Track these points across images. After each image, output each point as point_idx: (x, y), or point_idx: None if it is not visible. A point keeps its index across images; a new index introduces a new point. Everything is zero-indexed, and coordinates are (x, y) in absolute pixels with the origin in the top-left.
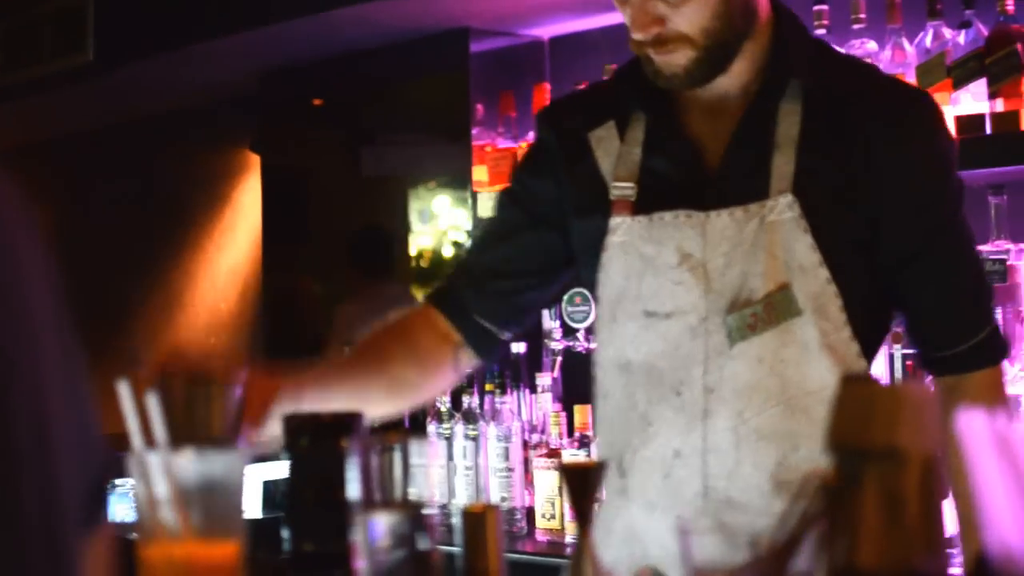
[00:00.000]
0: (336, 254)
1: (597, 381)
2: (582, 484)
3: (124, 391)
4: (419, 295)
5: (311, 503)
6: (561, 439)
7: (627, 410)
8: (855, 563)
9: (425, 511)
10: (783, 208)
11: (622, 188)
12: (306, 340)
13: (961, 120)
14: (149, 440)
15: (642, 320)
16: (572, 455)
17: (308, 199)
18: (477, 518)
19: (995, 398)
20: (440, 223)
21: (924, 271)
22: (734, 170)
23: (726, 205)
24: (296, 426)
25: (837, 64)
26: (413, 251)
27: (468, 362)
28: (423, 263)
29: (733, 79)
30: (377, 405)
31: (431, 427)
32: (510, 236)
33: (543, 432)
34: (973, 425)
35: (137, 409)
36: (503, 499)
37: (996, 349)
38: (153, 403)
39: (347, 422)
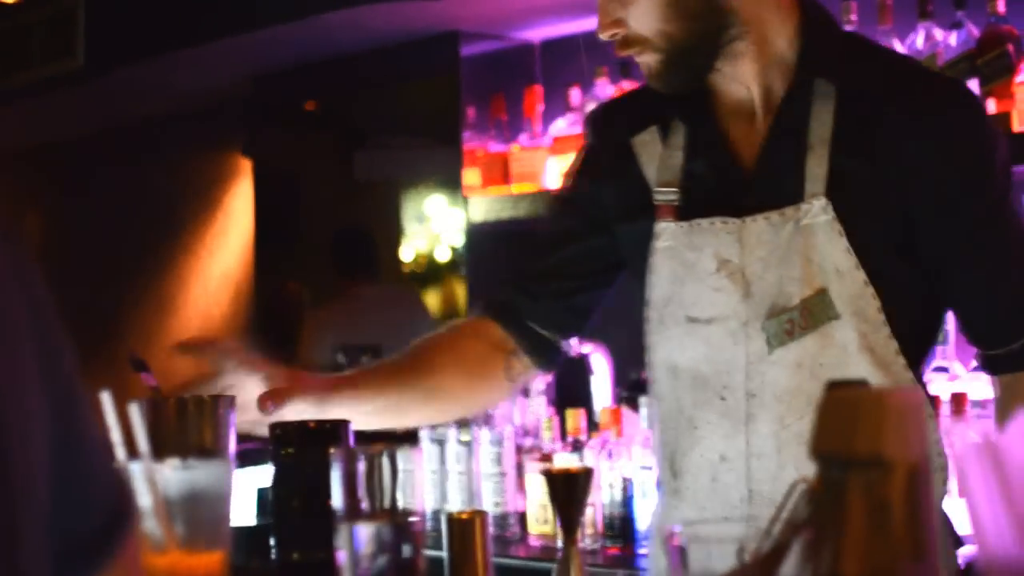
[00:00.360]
0: (328, 258)
1: (651, 383)
2: (567, 490)
3: (106, 402)
4: (412, 297)
5: (297, 512)
6: (554, 443)
7: (676, 413)
8: (840, 571)
9: (410, 519)
10: (817, 211)
11: (665, 193)
12: (298, 344)
13: None
14: (132, 451)
15: (686, 325)
16: (565, 459)
17: (300, 203)
18: (463, 525)
19: None
20: (433, 226)
21: (969, 269)
22: (767, 174)
23: (761, 210)
24: (282, 434)
25: (869, 59)
26: (406, 254)
27: (524, 371)
28: (417, 266)
29: (750, 80)
30: (414, 415)
31: (423, 432)
32: (564, 241)
33: (536, 436)
34: (959, 434)
35: (120, 420)
36: (496, 504)
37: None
38: (136, 414)
39: (333, 430)
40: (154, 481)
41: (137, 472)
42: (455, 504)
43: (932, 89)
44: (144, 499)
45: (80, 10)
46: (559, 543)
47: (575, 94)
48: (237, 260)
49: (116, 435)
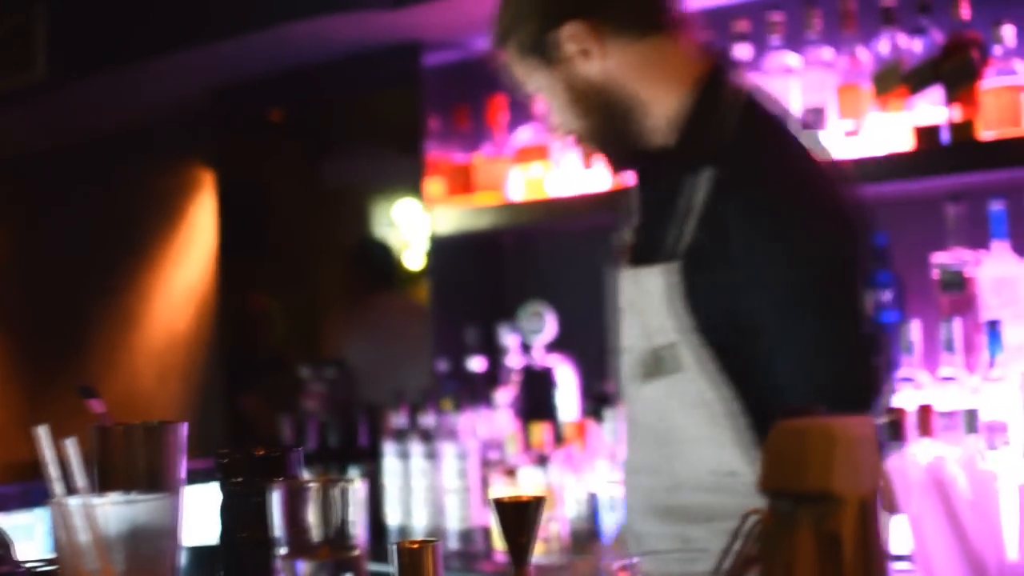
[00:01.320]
0: (295, 269)
1: None
2: (516, 520)
3: (43, 437)
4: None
5: (245, 542)
6: (519, 457)
7: None
8: None
9: (353, 553)
10: (672, 272)
11: (622, 239)
12: (264, 358)
13: (920, 131)
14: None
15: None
16: (530, 474)
17: (265, 213)
18: (413, 555)
19: None
20: (402, 233)
21: (774, 344)
22: (647, 233)
23: (643, 263)
24: (228, 462)
25: (749, 141)
26: (390, 258)
27: None
28: (401, 269)
29: (656, 139)
30: None
31: (388, 446)
32: None
33: (501, 450)
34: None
35: (57, 455)
36: (461, 519)
37: None
38: (72, 449)
39: (281, 458)
40: (93, 517)
41: (75, 508)
42: (420, 519)
43: (776, 185)
44: (82, 535)
45: (41, 23)
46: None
47: (539, 104)
48: (201, 273)
49: (53, 469)
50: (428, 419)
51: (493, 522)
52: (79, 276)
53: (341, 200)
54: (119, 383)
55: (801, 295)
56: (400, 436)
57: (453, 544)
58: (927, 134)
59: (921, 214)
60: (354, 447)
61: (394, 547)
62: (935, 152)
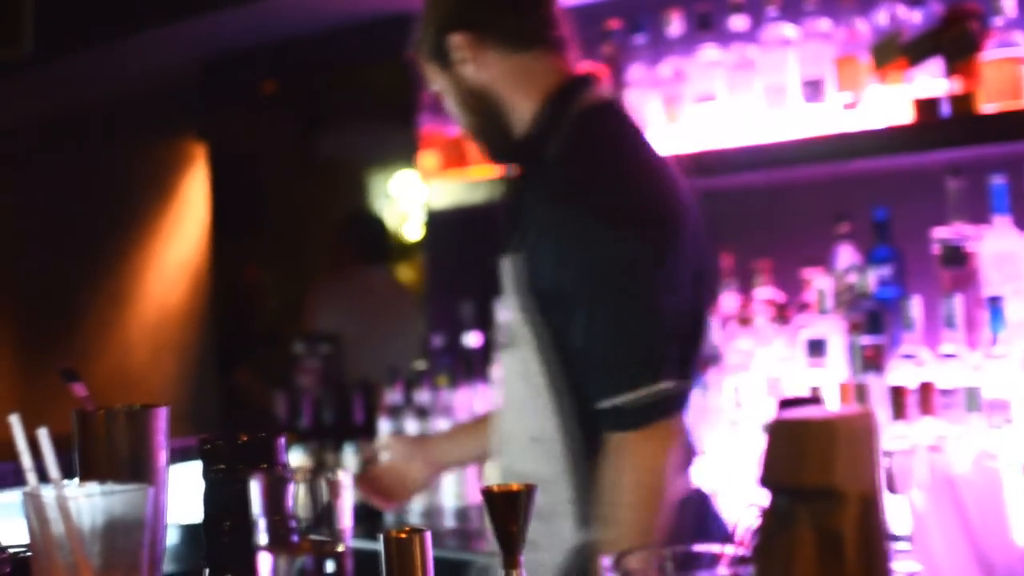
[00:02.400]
0: (288, 242)
1: None
2: (507, 509)
3: (16, 426)
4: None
5: (228, 533)
6: None
7: None
8: None
9: (337, 548)
10: (514, 261)
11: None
12: (257, 332)
13: (919, 104)
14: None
15: None
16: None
17: (257, 186)
18: (401, 544)
19: (619, 467)
20: (395, 207)
21: (581, 321)
22: (508, 223)
23: (506, 252)
24: (211, 449)
25: (572, 152)
26: (383, 232)
27: None
28: (396, 243)
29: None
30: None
31: (383, 423)
32: None
33: None
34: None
35: (29, 444)
36: (456, 496)
37: (627, 415)
38: (44, 439)
39: (265, 444)
40: (67, 508)
41: (48, 499)
42: (415, 499)
43: (567, 187)
44: (56, 527)
45: None
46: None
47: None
48: (193, 248)
49: (26, 460)
50: (423, 395)
51: (486, 511)
52: (70, 252)
53: (334, 173)
54: (112, 359)
55: (597, 286)
56: (395, 413)
57: (449, 522)
58: (927, 107)
59: (921, 188)
60: (349, 424)
61: (381, 536)
62: (935, 125)
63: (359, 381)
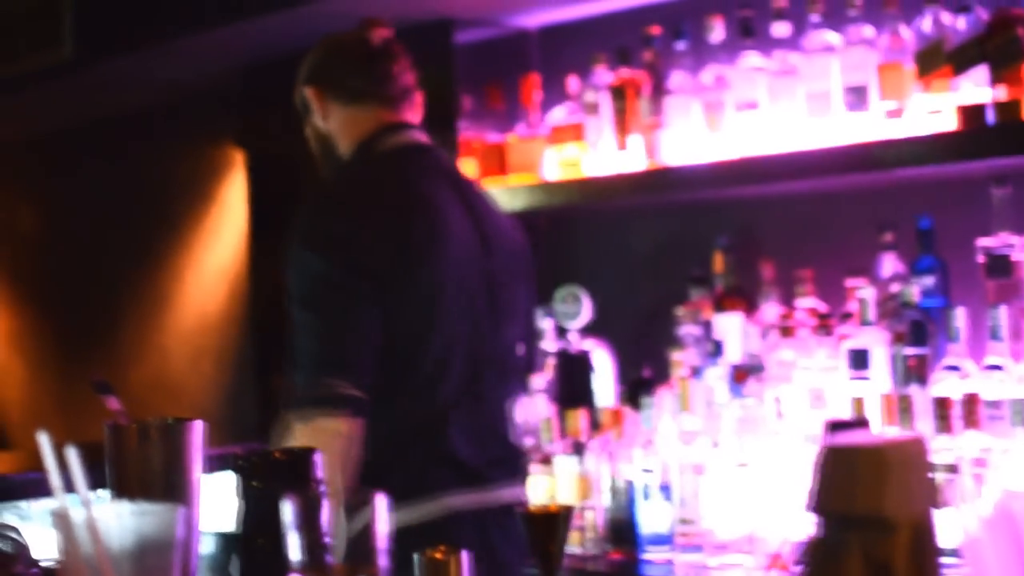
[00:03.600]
0: None
1: None
2: (545, 530)
3: (44, 444)
4: None
5: (264, 550)
6: (554, 444)
7: None
8: None
9: (371, 571)
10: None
11: None
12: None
13: (964, 111)
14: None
15: None
16: (565, 461)
17: (296, 193)
18: (439, 566)
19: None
20: None
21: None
22: None
23: None
24: (246, 466)
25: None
26: None
27: None
28: None
29: None
30: None
31: None
32: None
33: (536, 437)
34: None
35: (59, 463)
36: None
37: (296, 406)
38: (73, 457)
39: (302, 460)
40: (96, 530)
41: (77, 520)
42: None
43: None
44: (86, 548)
45: (66, 0)
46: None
47: (573, 82)
48: (232, 253)
49: (55, 478)
50: None
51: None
52: (110, 257)
53: None
54: (151, 365)
55: (292, 297)
56: None
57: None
58: (972, 114)
59: (966, 197)
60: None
61: (417, 557)
62: (980, 133)
63: None
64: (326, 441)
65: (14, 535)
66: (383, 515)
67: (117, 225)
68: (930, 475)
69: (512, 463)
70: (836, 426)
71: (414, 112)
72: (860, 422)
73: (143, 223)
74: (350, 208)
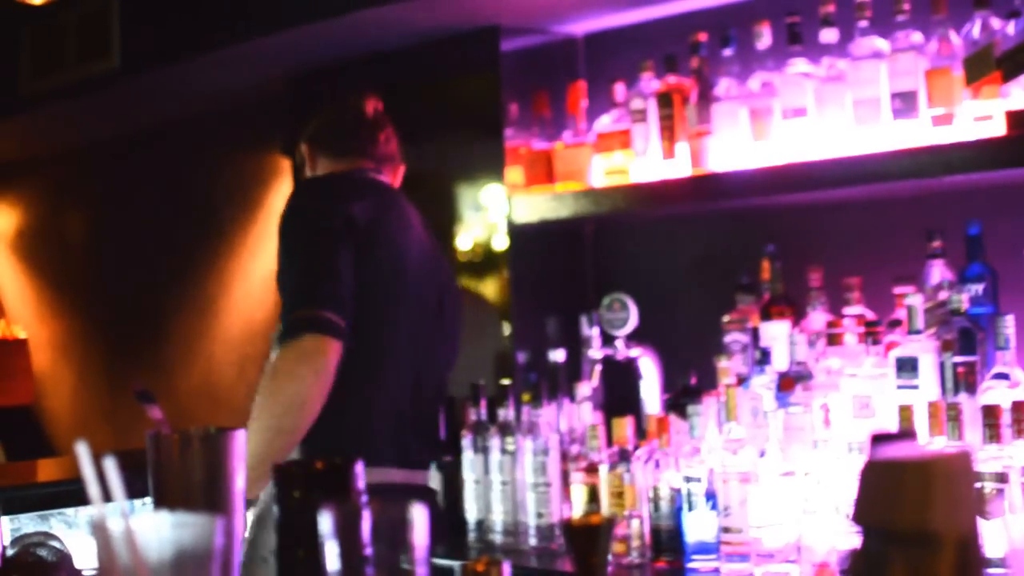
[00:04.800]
0: None
1: None
2: (587, 543)
3: (83, 454)
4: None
5: (304, 562)
6: (600, 453)
7: None
8: None
9: None
10: None
11: None
12: None
13: (1012, 116)
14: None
15: None
16: (609, 470)
17: None
18: None
19: (266, 374)
20: (480, 221)
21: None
22: None
23: None
24: (285, 477)
25: None
26: (467, 246)
27: None
28: (479, 258)
29: None
30: None
31: (466, 441)
32: None
33: (582, 444)
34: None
35: (97, 473)
36: (540, 515)
37: (283, 334)
38: (111, 467)
39: (343, 470)
40: (134, 542)
41: (116, 532)
42: (497, 515)
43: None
44: (124, 559)
45: (114, 10)
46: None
47: (619, 89)
48: None
49: (93, 489)
50: (507, 412)
51: (565, 543)
52: (157, 265)
53: (421, 187)
54: (198, 373)
55: (284, 251)
56: (479, 429)
57: (532, 540)
58: (1021, 120)
59: (1015, 203)
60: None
61: (459, 567)
62: None
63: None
64: (306, 357)
65: (56, 543)
66: (422, 526)
67: (164, 233)
68: (976, 489)
69: (435, 454)
70: (881, 438)
71: (394, 177)
72: (906, 434)
73: (190, 231)
74: (336, 182)
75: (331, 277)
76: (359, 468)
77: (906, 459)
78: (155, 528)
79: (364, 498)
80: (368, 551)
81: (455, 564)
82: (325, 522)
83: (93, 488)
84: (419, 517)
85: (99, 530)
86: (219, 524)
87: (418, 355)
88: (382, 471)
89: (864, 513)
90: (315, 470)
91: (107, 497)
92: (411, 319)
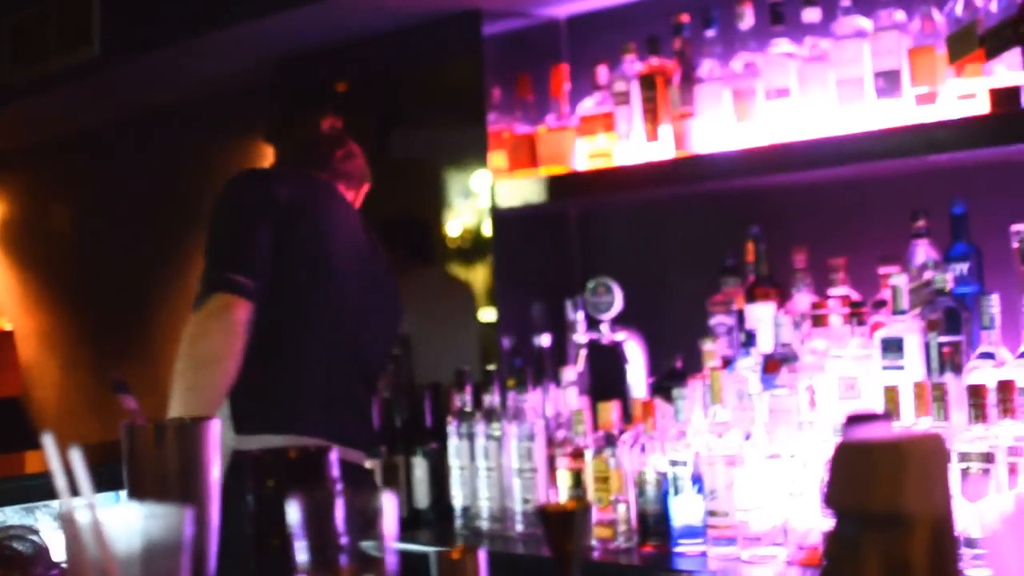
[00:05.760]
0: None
1: None
2: (562, 528)
3: (49, 445)
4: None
5: (278, 551)
6: (586, 437)
7: None
8: None
9: (381, 569)
10: None
11: None
12: None
13: (996, 93)
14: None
15: None
16: (594, 454)
17: None
18: (455, 565)
19: (183, 339)
20: (473, 201)
21: None
22: None
23: None
24: (259, 465)
25: None
26: (451, 231)
27: None
28: (463, 243)
29: None
30: None
31: (451, 427)
32: None
33: (568, 429)
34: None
35: (64, 465)
36: (526, 500)
37: (197, 298)
38: (77, 458)
39: (317, 458)
40: (102, 533)
41: (83, 524)
42: (484, 501)
43: None
44: (92, 552)
45: None
46: (593, 540)
47: (602, 72)
48: None
49: (60, 480)
50: (493, 398)
51: (541, 529)
52: (141, 255)
53: (404, 173)
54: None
55: (209, 230)
56: (464, 416)
57: (519, 527)
58: (1005, 98)
59: (1000, 182)
60: (419, 427)
61: (433, 554)
62: (1013, 117)
63: (428, 384)
64: (214, 316)
65: (34, 537)
66: (391, 516)
67: (149, 223)
68: (949, 471)
69: (371, 437)
70: (857, 419)
71: (355, 195)
72: (882, 415)
73: (175, 220)
74: (265, 169)
75: (243, 244)
76: (333, 456)
77: (878, 441)
78: (124, 520)
79: (339, 486)
80: (344, 540)
81: (430, 551)
82: (290, 511)
83: (60, 480)
84: (388, 505)
85: (66, 522)
86: (189, 515)
87: (348, 335)
88: (314, 443)
89: (837, 496)
90: (289, 459)
91: (74, 490)
92: (339, 298)
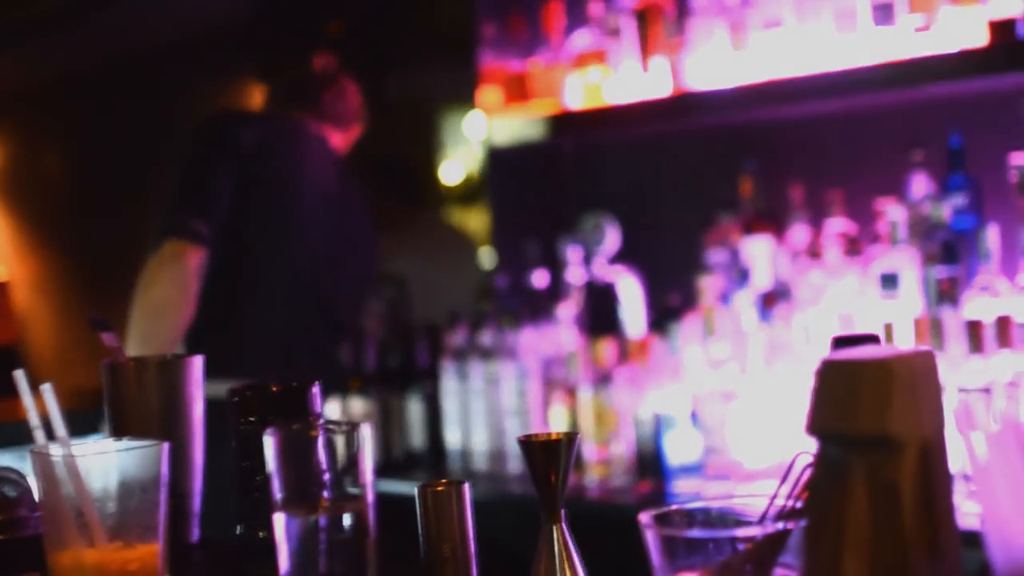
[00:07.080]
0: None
1: None
2: (545, 460)
3: (21, 381)
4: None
5: (260, 487)
6: (581, 376)
7: None
8: (841, 568)
9: (358, 503)
10: None
11: None
12: None
13: (994, 25)
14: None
15: None
16: (591, 392)
17: None
18: (438, 497)
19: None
20: (467, 140)
21: None
22: None
23: None
24: (241, 401)
25: None
26: (446, 172)
27: None
28: (457, 184)
29: None
30: None
31: (446, 367)
32: None
33: (564, 367)
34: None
35: (36, 403)
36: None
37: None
38: (48, 393)
39: (299, 393)
40: (75, 468)
41: (56, 458)
42: (480, 440)
43: None
44: (65, 488)
45: None
46: (586, 480)
47: (596, 6)
48: None
49: (33, 418)
50: (488, 337)
51: (525, 461)
52: (132, 198)
53: (397, 113)
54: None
55: (178, 180)
56: (459, 355)
57: (514, 467)
58: (1002, 28)
59: (998, 113)
60: (413, 367)
61: (417, 488)
62: (1011, 47)
63: (423, 324)
64: (165, 262)
65: (17, 478)
66: (368, 448)
67: (140, 165)
68: (940, 390)
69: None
70: (843, 341)
71: (344, 136)
72: (871, 337)
73: (166, 163)
74: (229, 111)
75: (202, 188)
76: (316, 391)
77: (864, 359)
78: (98, 455)
79: (322, 421)
80: (326, 476)
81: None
82: (267, 446)
83: (32, 416)
84: (366, 440)
85: (40, 458)
86: (165, 450)
87: (310, 282)
88: None
89: (821, 419)
90: (270, 394)
91: (47, 426)
92: (301, 245)
